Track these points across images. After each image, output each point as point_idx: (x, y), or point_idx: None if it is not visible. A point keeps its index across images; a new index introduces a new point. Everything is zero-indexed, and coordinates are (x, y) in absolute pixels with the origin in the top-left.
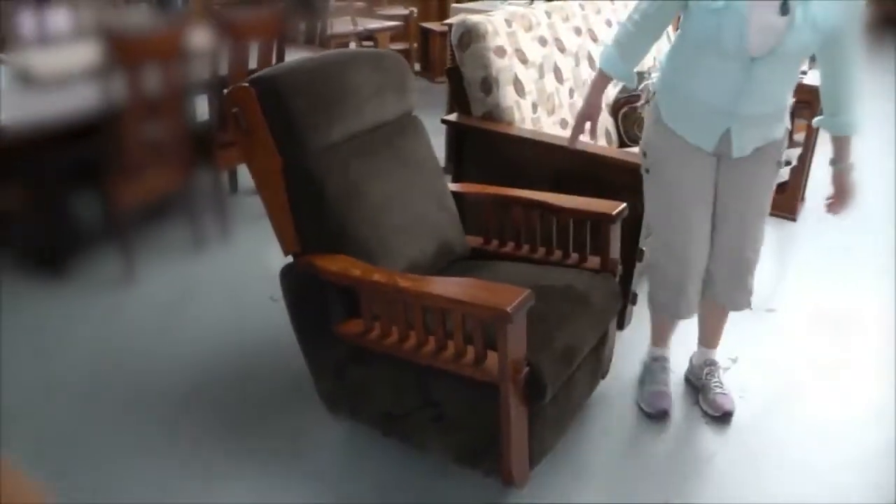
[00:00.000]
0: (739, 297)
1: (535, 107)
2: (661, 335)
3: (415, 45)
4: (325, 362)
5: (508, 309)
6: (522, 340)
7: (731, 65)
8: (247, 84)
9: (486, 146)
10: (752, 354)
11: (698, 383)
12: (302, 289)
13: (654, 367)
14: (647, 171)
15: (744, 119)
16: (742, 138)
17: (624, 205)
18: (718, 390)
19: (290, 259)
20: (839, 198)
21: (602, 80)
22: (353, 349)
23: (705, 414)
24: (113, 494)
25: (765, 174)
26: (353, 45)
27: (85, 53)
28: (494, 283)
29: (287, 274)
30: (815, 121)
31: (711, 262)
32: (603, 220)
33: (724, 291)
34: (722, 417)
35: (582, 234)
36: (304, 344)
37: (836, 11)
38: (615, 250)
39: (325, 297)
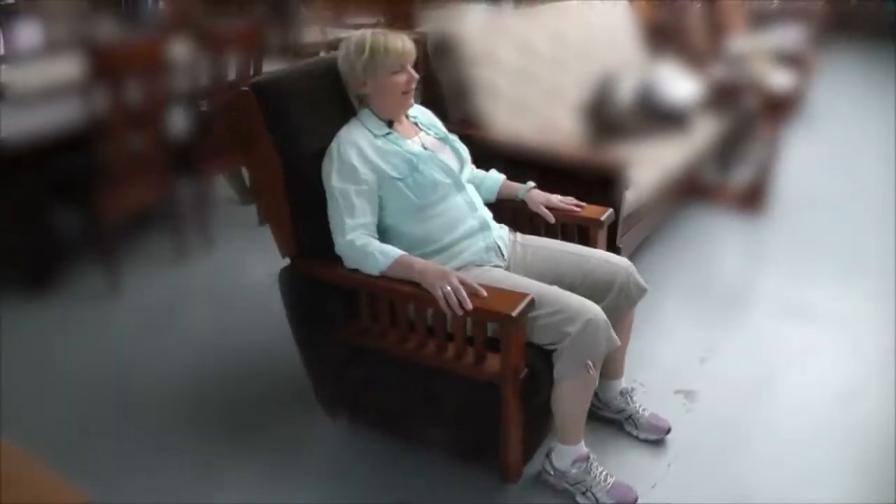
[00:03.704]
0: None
1: (510, 112)
2: (581, 420)
3: None
4: (325, 364)
5: (513, 314)
6: (522, 342)
7: None
8: (246, 89)
9: None
10: (726, 348)
11: (620, 415)
12: (301, 291)
13: (589, 465)
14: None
15: None
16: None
17: (611, 210)
18: (647, 412)
19: (284, 263)
20: (557, 207)
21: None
22: (353, 350)
23: (644, 440)
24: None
25: None
26: (322, 55)
27: (61, 67)
28: (498, 288)
29: (286, 277)
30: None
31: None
32: (591, 224)
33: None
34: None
35: (569, 236)
36: (302, 346)
37: None
38: None
39: (326, 298)
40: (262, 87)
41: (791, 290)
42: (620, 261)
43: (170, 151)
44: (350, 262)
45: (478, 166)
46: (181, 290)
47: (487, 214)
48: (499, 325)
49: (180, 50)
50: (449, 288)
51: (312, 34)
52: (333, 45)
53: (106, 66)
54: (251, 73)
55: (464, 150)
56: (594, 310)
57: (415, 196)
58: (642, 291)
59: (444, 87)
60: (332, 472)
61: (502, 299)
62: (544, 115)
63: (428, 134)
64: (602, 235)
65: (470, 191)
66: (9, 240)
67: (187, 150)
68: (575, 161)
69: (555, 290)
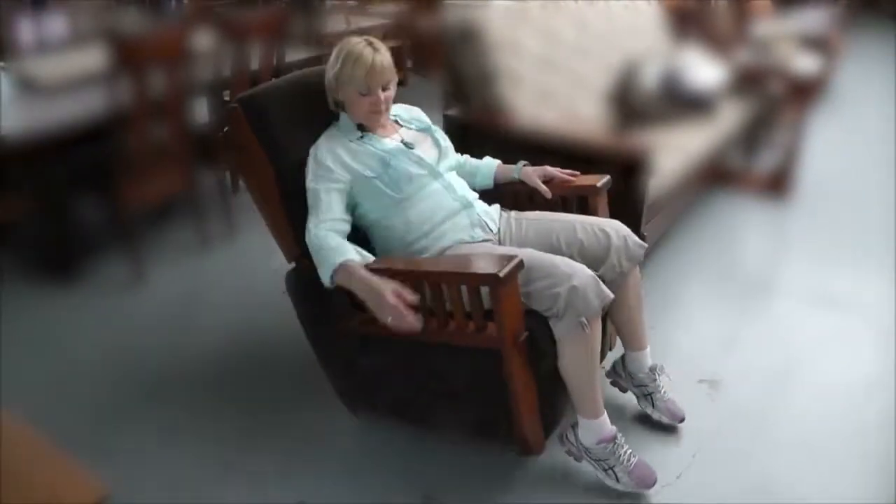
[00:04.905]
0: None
1: (533, 99)
2: (593, 390)
3: (407, 41)
4: (337, 359)
5: (500, 274)
6: (518, 304)
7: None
8: (235, 105)
9: (486, 139)
10: (750, 336)
11: (640, 391)
12: (307, 290)
13: (615, 447)
14: None
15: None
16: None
17: (608, 177)
18: (668, 395)
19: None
20: (554, 175)
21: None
22: (360, 341)
23: (657, 422)
24: (127, 493)
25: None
26: None
27: (86, 58)
28: (486, 254)
29: (291, 278)
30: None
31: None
32: (589, 192)
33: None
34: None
35: (570, 210)
36: (314, 343)
37: None
38: None
39: (330, 294)
40: (249, 102)
41: (815, 277)
42: (613, 223)
43: (193, 141)
44: (313, 258)
45: (498, 154)
46: (204, 279)
47: (471, 195)
48: (489, 289)
49: (203, 40)
50: (392, 309)
51: (336, 23)
52: (358, 34)
53: (130, 57)
54: (274, 62)
55: (444, 140)
56: (581, 269)
57: (392, 191)
58: (641, 248)
59: (467, 75)
60: (352, 462)
61: (489, 260)
62: (567, 103)
63: (409, 129)
64: (602, 203)
65: (448, 176)
66: (32, 229)
67: (210, 140)
68: (599, 148)
69: (542, 256)
